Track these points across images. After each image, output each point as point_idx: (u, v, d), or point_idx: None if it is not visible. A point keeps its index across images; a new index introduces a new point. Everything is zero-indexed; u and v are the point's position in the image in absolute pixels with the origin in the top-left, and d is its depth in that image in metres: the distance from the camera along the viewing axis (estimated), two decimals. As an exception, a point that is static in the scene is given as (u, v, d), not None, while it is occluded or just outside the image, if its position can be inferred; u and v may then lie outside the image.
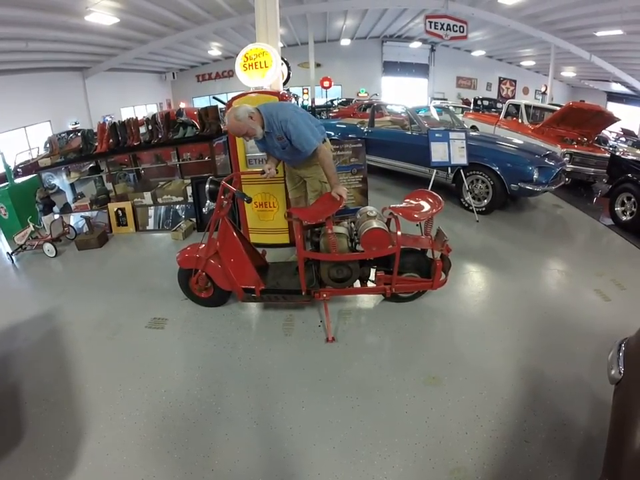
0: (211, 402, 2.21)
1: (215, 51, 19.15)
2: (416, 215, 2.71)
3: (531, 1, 11.34)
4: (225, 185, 2.66)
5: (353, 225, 2.98)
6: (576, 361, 2.47)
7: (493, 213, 5.13)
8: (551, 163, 5.01)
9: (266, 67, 3.62)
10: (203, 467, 1.84)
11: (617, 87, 18.96)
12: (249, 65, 3.65)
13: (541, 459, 1.81)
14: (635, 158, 6.05)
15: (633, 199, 4.89)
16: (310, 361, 2.51)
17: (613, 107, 20.37)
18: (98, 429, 2.09)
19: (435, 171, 5.14)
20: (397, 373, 2.39)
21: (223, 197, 2.70)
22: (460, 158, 4.91)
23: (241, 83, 3.82)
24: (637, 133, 15.51)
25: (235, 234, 2.86)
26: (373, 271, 2.93)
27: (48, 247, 4.48)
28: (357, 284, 2.94)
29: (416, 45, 20.82)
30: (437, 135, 4.95)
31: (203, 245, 2.89)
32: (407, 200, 2.96)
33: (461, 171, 5.08)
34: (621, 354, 1.64)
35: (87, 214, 5.19)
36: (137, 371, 2.52)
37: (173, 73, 21.97)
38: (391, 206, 2.80)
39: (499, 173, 4.87)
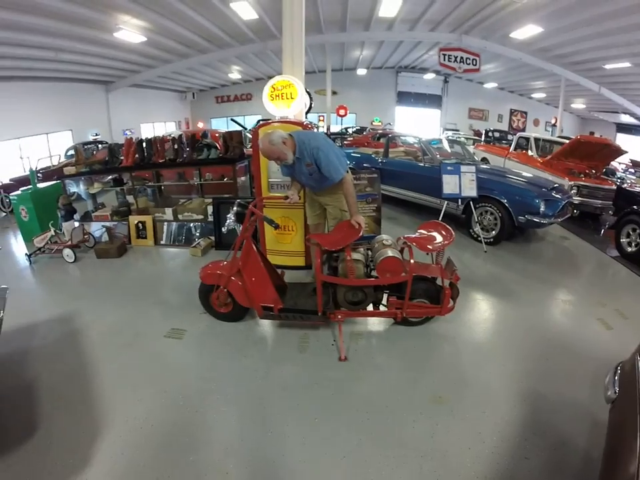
0: (227, 410, 2.34)
1: (235, 74, 19.84)
2: (429, 246, 2.87)
3: (541, 35, 11.63)
4: (253, 210, 2.86)
5: (369, 251, 3.14)
6: (576, 384, 2.60)
7: (501, 243, 5.29)
8: (557, 196, 5.18)
9: (292, 98, 3.87)
10: (216, 470, 1.95)
11: (626, 118, 19.16)
12: (276, 96, 3.90)
13: (540, 475, 1.93)
14: None
15: (638, 231, 5.02)
16: (323, 377, 2.65)
17: (622, 138, 20.56)
18: (113, 429, 2.19)
19: (446, 202, 5.33)
20: (405, 391, 2.52)
21: (250, 219, 2.89)
22: (470, 190, 5.10)
23: (258, 106, 4.09)
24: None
25: (257, 254, 3.03)
26: (385, 296, 3.09)
27: (67, 252, 4.64)
28: (370, 307, 3.09)
29: (430, 76, 21.30)
30: (448, 167, 5.17)
31: (225, 263, 3.06)
32: (420, 230, 3.13)
33: (471, 202, 5.26)
34: (616, 376, 1.77)
35: (107, 224, 5.40)
36: (154, 377, 2.64)
37: (193, 93, 22.70)
38: (406, 236, 2.96)
39: (507, 205, 5.04)
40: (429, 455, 2.04)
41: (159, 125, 20.59)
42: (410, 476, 1.92)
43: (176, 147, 5.33)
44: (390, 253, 2.87)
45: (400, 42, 15.68)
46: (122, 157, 5.59)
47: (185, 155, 5.23)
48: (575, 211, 6.61)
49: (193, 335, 3.15)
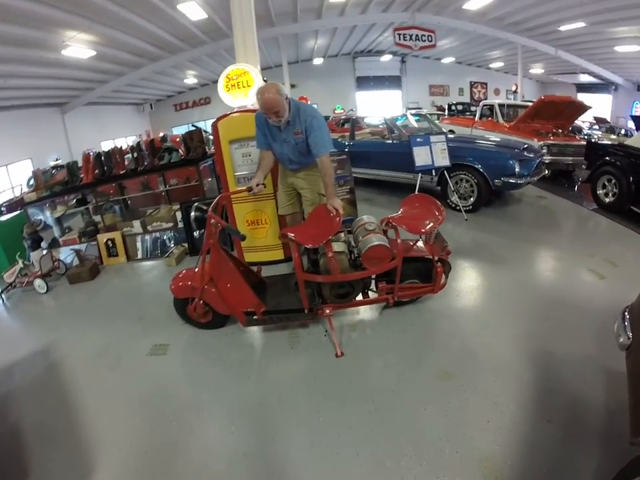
0: (224, 422, 2.16)
1: (190, 79, 19.36)
2: (422, 229, 2.67)
3: (493, 4, 11.71)
4: (213, 217, 2.58)
5: (350, 236, 2.94)
6: (581, 337, 2.55)
7: (480, 210, 5.24)
8: (530, 155, 5.17)
9: (248, 86, 3.69)
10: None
11: (584, 78, 19.50)
12: (232, 86, 3.72)
13: (565, 435, 1.85)
14: (610, 142, 6.30)
15: (613, 180, 5.09)
16: (320, 371, 2.49)
17: (582, 97, 21.03)
18: (107, 460, 2.03)
19: (420, 175, 5.20)
20: (409, 372, 2.39)
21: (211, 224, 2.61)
22: (442, 160, 5.02)
23: (218, 108, 3.89)
24: (608, 119, 16.08)
25: (228, 259, 2.78)
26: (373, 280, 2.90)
27: (39, 282, 4.40)
28: (359, 296, 2.90)
29: (386, 57, 21.28)
30: (418, 139, 5.07)
31: (197, 270, 2.81)
32: (404, 208, 2.89)
33: (445, 172, 5.17)
34: (626, 321, 1.69)
35: (77, 247, 5.14)
36: (142, 399, 2.46)
37: (151, 104, 22.01)
38: (391, 217, 2.72)
39: (481, 170, 4.98)
40: (447, 435, 1.92)
41: (120, 140, 19.89)
42: (431, 461, 1.79)
43: (135, 155, 5.08)
44: (375, 240, 2.61)
45: (353, 27, 15.55)
46: (82, 175, 5.29)
47: (146, 163, 4.96)
48: (547, 171, 6.66)
49: (177, 349, 2.94)
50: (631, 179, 4.79)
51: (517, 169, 4.83)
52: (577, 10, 11.24)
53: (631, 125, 14.06)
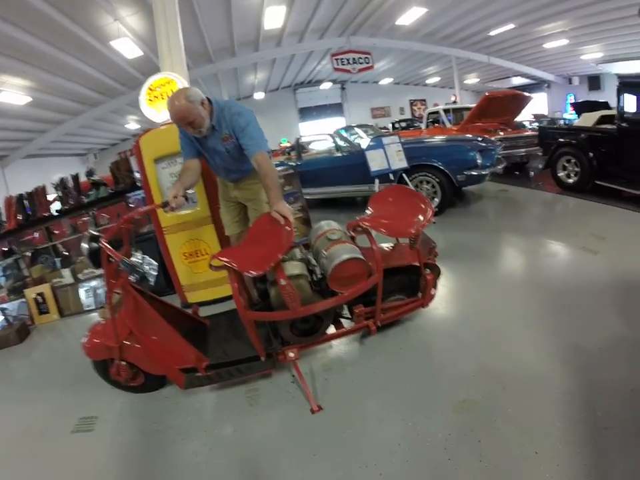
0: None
1: (132, 124, 18.73)
2: (411, 229, 2.06)
3: (426, 18, 12.08)
4: (108, 250, 1.87)
5: (308, 252, 2.38)
6: (605, 318, 2.29)
7: (446, 211, 4.97)
8: (489, 145, 5.01)
9: (173, 95, 3.20)
10: None
11: (517, 81, 20.66)
12: (154, 97, 3.26)
13: (626, 437, 1.51)
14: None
15: (572, 160, 5.02)
16: (293, 434, 1.86)
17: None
18: None
19: (377, 182, 4.81)
20: (416, 412, 1.83)
21: (110, 260, 1.91)
22: (399, 162, 4.72)
23: None
24: (546, 114, 17.04)
25: (147, 303, 2.13)
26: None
27: None
28: (330, 328, 2.30)
29: (326, 85, 21.61)
30: (370, 143, 4.81)
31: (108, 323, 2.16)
32: (375, 206, 2.28)
33: (404, 175, 4.85)
34: None
35: (6, 306, 4.47)
36: None
37: (95, 154, 20.98)
38: (362, 218, 2.14)
39: (442, 167, 4.70)
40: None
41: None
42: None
43: (60, 194, 4.45)
44: (344, 254, 2.02)
45: (292, 57, 15.72)
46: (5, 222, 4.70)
47: (72, 201, 4.33)
48: (499, 167, 6.65)
49: (107, 421, 2.29)
50: (591, 154, 4.73)
51: (478, 160, 4.61)
52: (506, 13, 11.79)
53: (568, 116, 14.92)
